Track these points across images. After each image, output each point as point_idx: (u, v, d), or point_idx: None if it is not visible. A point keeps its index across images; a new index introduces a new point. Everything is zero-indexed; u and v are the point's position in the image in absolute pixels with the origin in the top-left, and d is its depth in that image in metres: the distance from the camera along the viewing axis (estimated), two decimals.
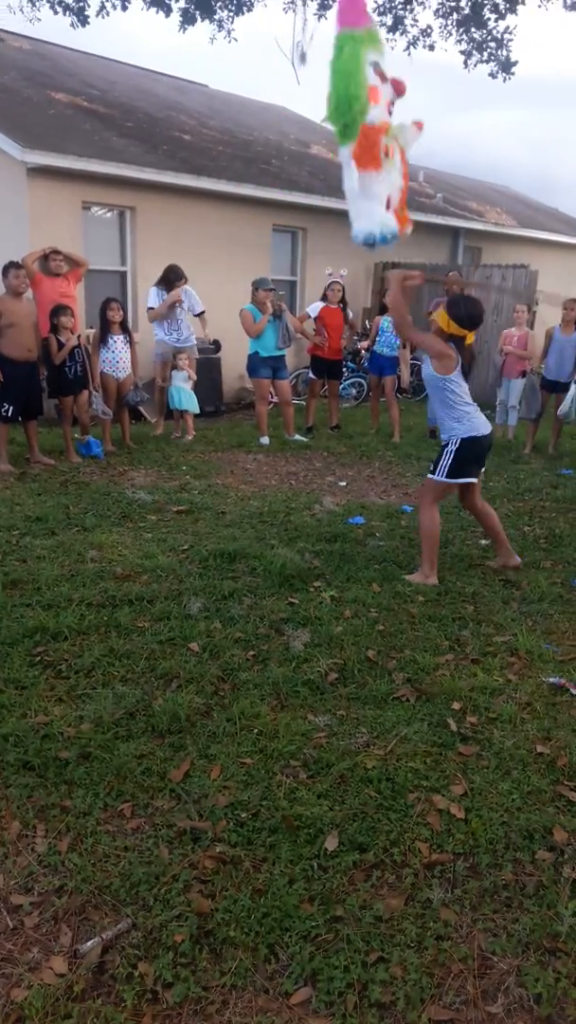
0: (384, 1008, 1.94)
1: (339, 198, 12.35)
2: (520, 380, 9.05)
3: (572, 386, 8.39)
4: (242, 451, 8.30)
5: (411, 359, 10.33)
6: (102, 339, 7.74)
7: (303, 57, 10.49)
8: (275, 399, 9.17)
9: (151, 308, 8.57)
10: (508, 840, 2.49)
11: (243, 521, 5.66)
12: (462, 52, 12.42)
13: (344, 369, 10.74)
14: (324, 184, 12.97)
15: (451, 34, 12.34)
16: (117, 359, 7.81)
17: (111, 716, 3.07)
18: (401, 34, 12.34)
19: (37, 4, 11.65)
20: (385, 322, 9.15)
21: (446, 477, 4.58)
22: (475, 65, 12.44)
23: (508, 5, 11.73)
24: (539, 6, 12.13)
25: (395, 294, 4.54)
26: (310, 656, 3.63)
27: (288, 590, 4.39)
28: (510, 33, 12.15)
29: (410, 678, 3.48)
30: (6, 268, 6.98)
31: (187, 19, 11.72)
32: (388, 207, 4.15)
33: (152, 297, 8.60)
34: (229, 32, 12.14)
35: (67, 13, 11.52)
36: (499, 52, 12.27)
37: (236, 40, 12.49)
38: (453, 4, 11.92)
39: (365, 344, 10.47)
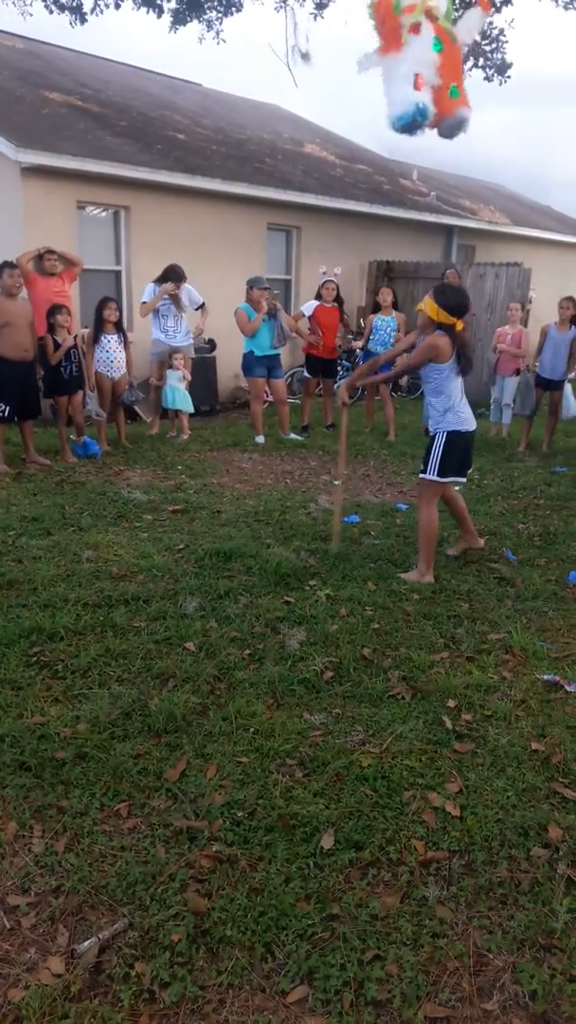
0: (380, 1006, 1.94)
1: (333, 196, 12.44)
2: (514, 378, 9.07)
3: (567, 385, 8.41)
4: (237, 450, 8.30)
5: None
6: (95, 338, 7.74)
7: (305, 56, 10.43)
8: (270, 398, 9.18)
9: (144, 303, 8.59)
10: (503, 837, 2.50)
11: (239, 520, 5.66)
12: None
13: (339, 368, 10.74)
14: (318, 183, 12.97)
15: None
16: (111, 359, 7.81)
17: (107, 716, 3.07)
18: None
19: None
20: (379, 321, 9.16)
21: (437, 476, 4.61)
22: (470, 70, 12.42)
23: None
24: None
25: (352, 380, 4.93)
26: (306, 655, 3.63)
27: (284, 589, 4.40)
28: (504, 36, 12.16)
29: (405, 676, 3.49)
30: (0, 268, 6.96)
31: (178, 19, 11.71)
32: (420, 85, 3.99)
33: (148, 293, 8.61)
34: (218, 33, 12.14)
35: (63, 12, 11.50)
36: (494, 56, 12.27)
37: (225, 41, 12.51)
38: None
39: (359, 343, 10.47)
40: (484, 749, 2.97)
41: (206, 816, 2.55)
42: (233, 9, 11.89)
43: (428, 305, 4.43)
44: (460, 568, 4.89)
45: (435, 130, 4.20)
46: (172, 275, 8.49)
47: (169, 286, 8.43)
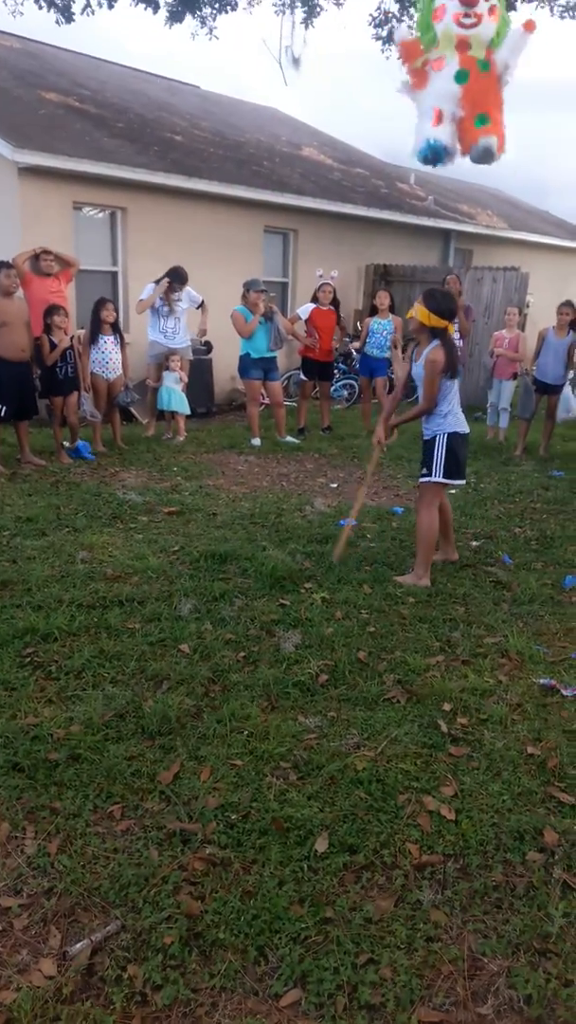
0: (374, 1010, 1.93)
1: (330, 200, 12.45)
2: (511, 382, 9.09)
3: (566, 387, 8.42)
4: (233, 452, 8.29)
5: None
6: (92, 339, 7.73)
7: (295, 62, 10.49)
8: (266, 400, 9.17)
9: (141, 300, 8.59)
10: (498, 841, 2.49)
11: (234, 522, 5.65)
12: None
13: (335, 371, 10.75)
14: (315, 186, 12.99)
15: None
16: (107, 360, 7.80)
17: (101, 718, 3.06)
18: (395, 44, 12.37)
19: None
20: (375, 324, 9.17)
21: (443, 477, 4.62)
22: None
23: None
24: (536, 7, 12.04)
25: (384, 424, 4.95)
26: (301, 657, 3.62)
27: (279, 591, 4.39)
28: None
29: (401, 679, 3.48)
30: None
31: (174, 15, 11.72)
32: (440, 120, 4.02)
33: (146, 293, 8.60)
34: (212, 30, 12.16)
35: (51, 9, 11.48)
36: None
37: (218, 38, 12.63)
38: None
39: (356, 346, 10.48)
40: (480, 753, 2.96)
41: (200, 819, 2.54)
42: (228, 8, 11.91)
43: (419, 311, 4.48)
44: (456, 572, 4.89)
45: (467, 157, 4.27)
46: (175, 277, 8.49)
47: (163, 284, 8.42)
